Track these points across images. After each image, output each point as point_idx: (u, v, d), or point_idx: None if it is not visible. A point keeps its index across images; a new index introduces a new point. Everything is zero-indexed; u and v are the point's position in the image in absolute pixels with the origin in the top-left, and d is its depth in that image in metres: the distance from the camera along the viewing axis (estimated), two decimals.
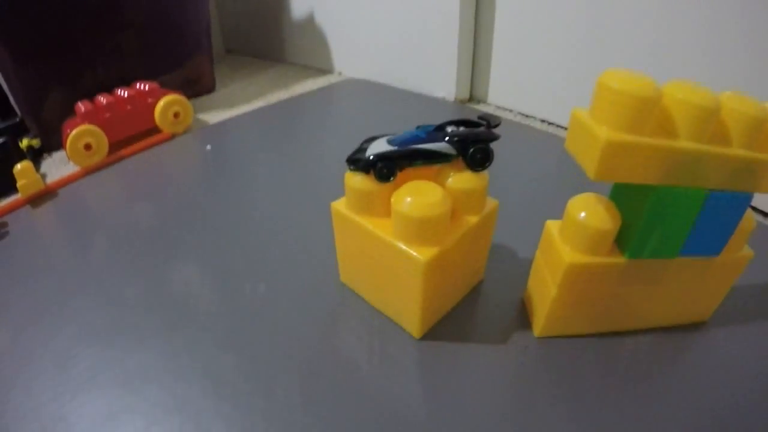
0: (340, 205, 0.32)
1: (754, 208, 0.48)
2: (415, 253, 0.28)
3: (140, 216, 0.47)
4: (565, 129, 0.65)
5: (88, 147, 0.57)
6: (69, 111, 0.61)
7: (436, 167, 0.31)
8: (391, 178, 0.29)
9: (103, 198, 0.52)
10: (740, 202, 0.27)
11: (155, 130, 0.64)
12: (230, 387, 0.29)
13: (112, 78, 0.66)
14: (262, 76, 0.92)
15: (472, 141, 0.30)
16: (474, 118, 0.32)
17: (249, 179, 0.53)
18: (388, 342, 0.32)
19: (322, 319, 0.34)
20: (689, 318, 0.33)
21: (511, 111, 0.71)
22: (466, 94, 0.75)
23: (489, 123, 0.32)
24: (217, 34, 1.09)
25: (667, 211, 0.26)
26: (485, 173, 0.31)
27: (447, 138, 0.30)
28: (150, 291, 0.37)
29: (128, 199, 0.51)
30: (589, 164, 0.24)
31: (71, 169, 0.58)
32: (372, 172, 0.29)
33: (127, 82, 0.66)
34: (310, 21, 0.91)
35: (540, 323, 0.32)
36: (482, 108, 0.73)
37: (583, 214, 0.28)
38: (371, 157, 0.29)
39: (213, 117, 0.73)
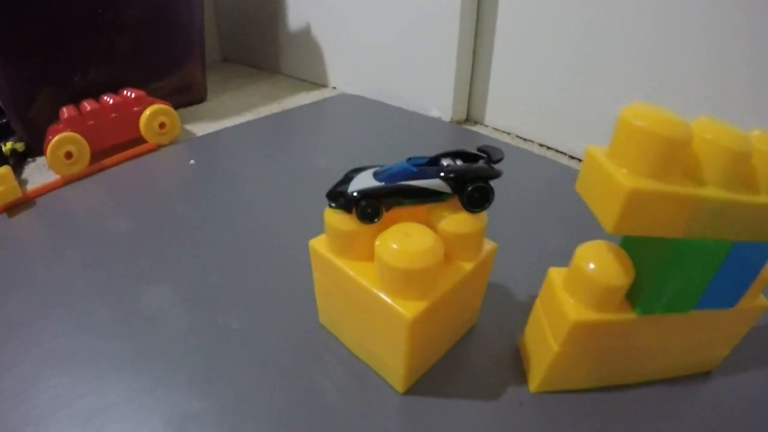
0: (319, 244, 0.29)
1: None
2: (400, 309, 0.24)
3: (117, 231, 0.45)
4: (565, 155, 0.64)
5: (69, 155, 0.55)
6: (56, 114, 0.59)
7: (426, 206, 0.28)
8: (376, 219, 0.26)
9: (81, 210, 0.51)
10: (763, 252, 0.24)
11: (141, 140, 0.62)
12: None
13: (101, 82, 0.65)
14: (255, 88, 0.90)
15: (470, 179, 0.26)
16: (472, 148, 0.30)
17: (233, 198, 0.51)
18: (369, 394, 0.29)
19: (298, 364, 0.31)
20: (696, 368, 0.31)
21: (509, 134, 0.70)
22: (462, 115, 0.73)
23: (490, 157, 0.28)
24: (215, 43, 1.08)
25: (686, 264, 0.23)
26: (483, 214, 0.28)
27: (441, 174, 0.27)
28: (121, 315, 0.35)
29: (107, 213, 0.49)
30: (608, 215, 0.21)
31: (54, 176, 0.56)
32: (354, 210, 0.26)
33: (117, 87, 0.64)
34: (306, 34, 0.89)
35: (537, 378, 0.29)
36: (479, 130, 0.71)
37: (592, 266, 0.25)
38: (354, 194, 0.26)
39: (201, 128, 0.70)
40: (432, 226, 0.27)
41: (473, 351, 0.32)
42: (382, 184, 0.26)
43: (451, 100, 0.70)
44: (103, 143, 0.60)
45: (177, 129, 0.64)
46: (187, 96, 0.79)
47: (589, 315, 0.25)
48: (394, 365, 0.28)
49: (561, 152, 0.65)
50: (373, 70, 0.81)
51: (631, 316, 0.26)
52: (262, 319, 0.34)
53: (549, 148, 0.66)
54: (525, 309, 0.32)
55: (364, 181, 0.27)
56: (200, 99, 0.81)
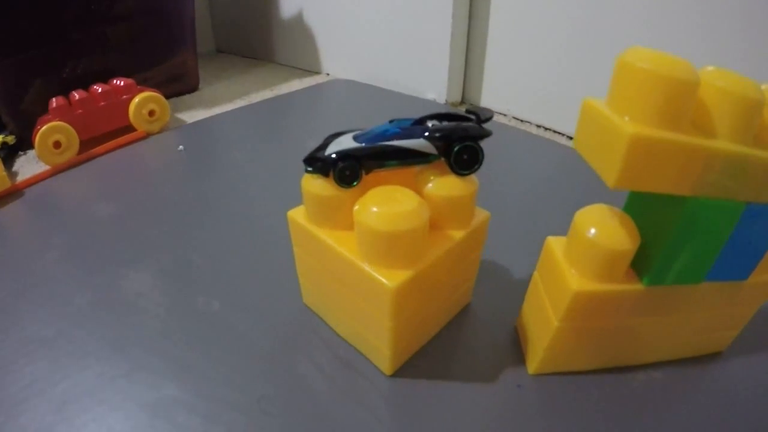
0: (297, 214, 0.27)
1: None
2: (381, 278, 0.22)
3: (103, 217, 0.44)
4: (563, 135, 0.62)
5: (57, 144, 0.54)
6: (47, 106, 0.58)
7: (413, 170, 0.26)
8: (355, 183, 0.24)
9: (69, 198, 0.50)
10: None
11: (131, 128, 0.61)
12: (168, 423, 0.25)
13: (93, 73, 0.64)
14: (249, 76, 0.89)
15: (458, 138, 0.25)
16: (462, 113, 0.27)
17: (221, 182, 0.50)
18: (355, 378, 0.27)
19: (280, 347, 0.29)
20: (705, 349, 0.29)
21: (505, 115, 0.68)
22: (457, 97, 0.72)
23: (479, 117, 0.26)
24: (209, 34, 1.07)
25: (698, 228, 0.21)
26: (474, 178, 0.26)
27: (427, 134, 0.25)
28: (102, 300, 0.34)
29: (94, 200, 0.48)
30: (609, 167, 0.19)
31: (46, 167, 0.55)
32: (332, 173, 0.24)
33: (108, 78, 0.63)
34: (299, 22, 0.88)
35: (536, 359, 0.27)
36: None
37: (593, 231, 0.23)
38: (332, 156, 0.24)
39: (192, 116, 0.69)
40: (419, 191, 0.25)
41: (467, 332, 0.31)
42: (362, 145, 0.25)
43: (445, 82, 0.69)
44: (92, 132, 0.59)
45: (166, 116, 0.63)
46: (179, 85, 0.78)
47: (592, 285, 0.23)
48: (379, 345, 0.26)
49: (559, 133, 0.63)
50: (366, 55, 0.80)
51: (638, 287, 0.23)
52: (244, 301, 0.33)
53: (546, 128, 0.64)
54: (523, 288, 0.30)
55: (344, 143, 0.25)
56: (193, 88, 0.80)
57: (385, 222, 0.22)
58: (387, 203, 0.22)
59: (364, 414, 0.25)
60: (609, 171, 0.19)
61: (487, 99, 0.70)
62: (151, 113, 0.62)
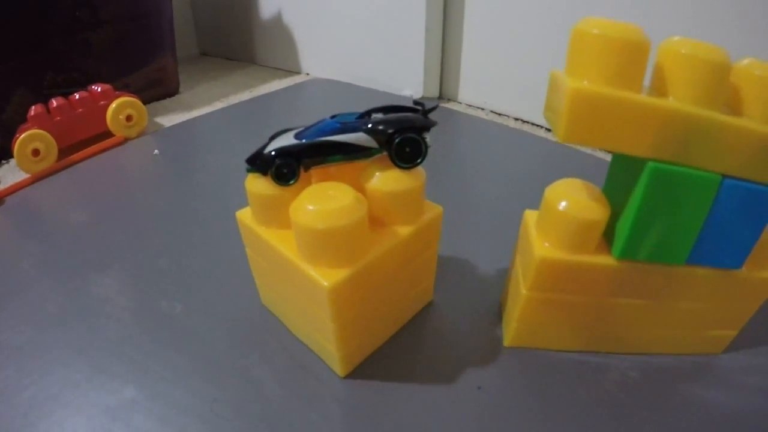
0: (245, 215, 0.26)
1: None
2: (318, 277, 0.22)
3: (79, 225, 0.45)
4: (541, 127, 0.63)
5: (36, 152, 0.55)
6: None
7: (360, 165, 0.25)
8: (292, 181, 0.24)
9: (47, 206, 0.50)
10: (766, 197, 0.21)
11: (109, 133, 0.62)
12: (125, 426, 0.26)
13: (73, 80, 0.64)
14: (230, 78, 0.89)
15: (398, 130, 0.24)
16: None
17: (196, 185, 0.50)
18: (308, 380, 0.27)
19: (237, 349, 0.30)
20: (700, 348, 0.27)
21: (483, 109, 0.69)
22: (435, 92, 0.72)
23: (424, 108, 0.26)
24: (192, 37, 1.07)
25: (669, 198, 0.21)
26: (420, 171, 0.25)
27: (366, 127, 0.24)
28: (71, 306, 0.34)
29: (71, 207, 0.48)
30: (558, 122, 0.20)
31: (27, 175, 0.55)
32: (270, 172, 0.24)
33: (88, 84, 0.63)
34: (279, 23, 0.88)
35: (510, 330, 0.27)
36: (453, 107, 0.69)
37: (564, 203, 0.23)
38: (271, 153, 0.24)
39: (171, 120, 0.69)
40: (363, 187, 0.24)
41: (428, 331, 0.30)
42: (301, 141, 0.24)
43: (421, 78, 0.69)
44: (71, 139, 0.59)
45: (144, 121, 0.63)
46: (159, 89, 0.78)
47: (558, 254, 0.23)
48: (328, 346, 0.25)
49: (537, 125, 0.63)
50: (345, 54, 0.80)
51: (609, 261, 0.23)
52: (207, 303, 0.33)
53: (525, 121, 0.64)
54: (494, 284, 0.30)
55: (284, 140, 0.25)
56: (173, 92, 0.80)
57: (318, 219, 0.21)
58: (322, 200, 0.22)
59: (316, 417, 0.25)
60: (558, 125, 0.20)
61: (465, 93, 0.70)
62: (129, 118, 0.62)
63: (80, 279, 0.37)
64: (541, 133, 0.61)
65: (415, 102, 0.27)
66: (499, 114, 0.67)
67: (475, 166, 0.52)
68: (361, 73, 0.78)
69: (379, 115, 0.25)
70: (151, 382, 0.28)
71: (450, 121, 0.63)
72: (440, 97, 0.73)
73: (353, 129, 0.24)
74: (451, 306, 0.32)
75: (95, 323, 0.33)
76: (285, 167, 0.24)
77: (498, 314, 0.31)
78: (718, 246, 0.22)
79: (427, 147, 0.25)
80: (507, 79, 0.65)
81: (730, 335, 0.27)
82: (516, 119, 0.65)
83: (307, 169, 0.25)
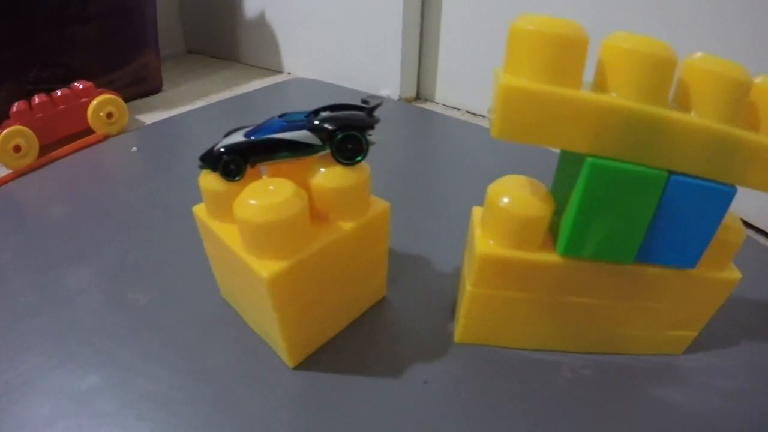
0: (201, 210, 0.28)
1: (746, 224, 0.42)
2: (257, 268, 0.23)
3: (57, 219, 0.46)
4: None
5: (17, 148, 0.56)
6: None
7: (306, 162, 0.26)
8: (238, 177, 0.25)
9: (27, 201, 0.51)
10: (718, 195, 0.20)
11: (90, 130, 0.63)
12: (88, 411, 0.27)
13: (57, 77, 0.65)
14: (213, 77, 0.90)
15: (341, 127, 0.25)
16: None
17: (171, 181, 0.51)
18: (260, 370, 0.28)
19: (196, 340, 0.31)
20: (659, 348, 0.27)
21: (459, 110, 0.70)
22: (412, 93, 0.73)
23: (368, 106, 0.26)
24: (179, 35, 1.08)
25: (611, 195, 0.20)
26: (364, 167, 0.26)
27: (309, 124, 0.25)
28: (44, 298, 0.36)
29: (50, 202, 0.50)
30: (493, 119, 0.19)
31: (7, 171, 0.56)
32: (218, 168, 0.25)
33: (71, 81, 0.64)
34: (262, 22, 0.89)
35: (459, 326, 0.27)
36: (429, 107, 0.71)
37: (505, 200, 0.23)
38: (220, 150, 0.25)
39: (153, 117, 0.71)
40: (308, 183, 0.25)
41: (380, 326, 0.31)
42: (249, 139, 0.25)
43: (398, 78, 0.70)
44: (52, 135, 0.60)
45: (125, 118, 0.64)
46: (142, 87, 0.79)
47: (500, 251, 0.23)
48: (275, 336, 0.26)
49: None
50: (325, 54, 0.81)
51: (554, 258, 0.23)
52: (172, 295, 0.35)
53: None
54: (450, 283, 0.30)
55: (233, 138, 0.26)
56: (156, 90, 0.81)
57: (258, 213, 0.22)
58: (262, 195, 0.23)
59: (265, 404, 0.26)
60: (493, 123, 0.20)
61: (442, 94, 0.72)
62: (110, 115, 0.63)
63: (56, 271, 0.38)
64: None
65: (362, 100, 0.28)
66: (475, 114, 0.69)
67: (445, 166, 0.53)
68: (341, 72, 0.79)
69: (325, 113, 0.26)
70: (115, 370, 0.29)
71: (425, 122, 0.64)
72: (417, 98, 0.74)
73: (298, 127, 0.25)
74: (405, 302, 0.33)
75: (67, 313, 0.34)
76: (232, 164, 0.25)
77: (453, 311, 0.32)
78: (669, 244, 0.22)
79: (368, 144, 0.26)
80: (484, 80, 0.66)
81: (690, 336, 0.27)
82: None
83: (253, 165, 0.26)
